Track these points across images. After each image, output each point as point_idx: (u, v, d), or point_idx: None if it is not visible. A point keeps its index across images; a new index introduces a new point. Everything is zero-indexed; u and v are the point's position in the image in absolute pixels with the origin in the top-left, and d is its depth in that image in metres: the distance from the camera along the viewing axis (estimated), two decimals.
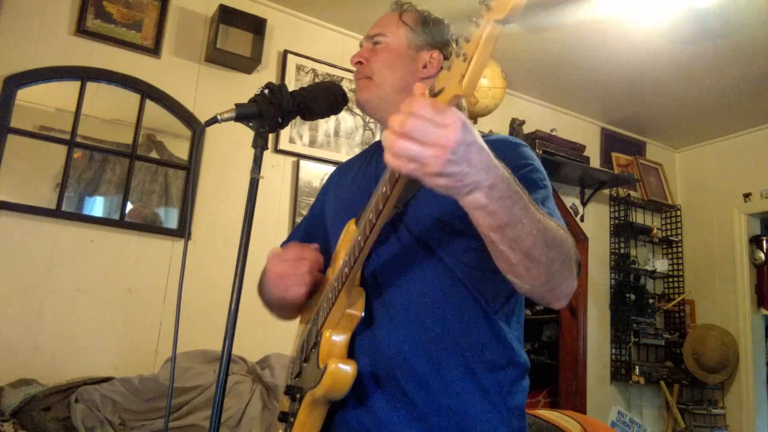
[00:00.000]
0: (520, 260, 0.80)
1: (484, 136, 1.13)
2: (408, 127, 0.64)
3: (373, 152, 1.28)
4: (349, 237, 1.07)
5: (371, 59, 1.18)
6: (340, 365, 0.93)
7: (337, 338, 0.97)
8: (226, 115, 1.03)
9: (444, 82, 0.65)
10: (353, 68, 1.23)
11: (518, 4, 0.58)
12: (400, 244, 1.03)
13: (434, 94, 0.66)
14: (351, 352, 1.00)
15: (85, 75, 2.66)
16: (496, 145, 0.99)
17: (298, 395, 1.03)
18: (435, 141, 0.64)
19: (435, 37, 1.21)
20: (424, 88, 0.69)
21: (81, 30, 2.68)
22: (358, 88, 1.20)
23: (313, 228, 1.32)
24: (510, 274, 0.84)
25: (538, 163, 1.07)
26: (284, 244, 1.35)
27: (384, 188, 0.78)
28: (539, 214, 0.79)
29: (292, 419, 1.03)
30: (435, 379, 0.98)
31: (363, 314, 0.99)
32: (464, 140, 0.65)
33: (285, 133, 3.13)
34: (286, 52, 3.20)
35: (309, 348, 1.05)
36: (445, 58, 1.21)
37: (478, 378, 1.00)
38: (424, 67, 1.19)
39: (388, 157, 0.67)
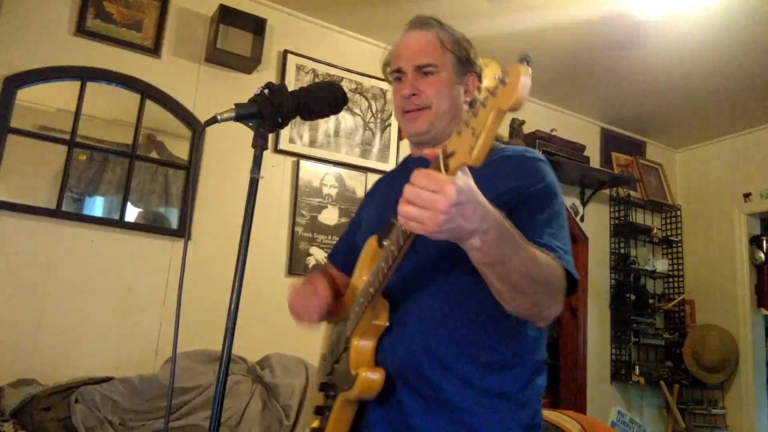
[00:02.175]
0: (507, 290, 0.91)
1: (502, 148, 1.17)
2: (407, 194, 0.78)
3: (401, 169, 1.35)
4: (371, 253, 1.17)
5: (426, 90, 1.18)
6: (369, 374, 1.06)
7: (364, 346, 1.11)
8: (226, 115, 1.03)
9: (455, 146, 0.76)
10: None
11: (519, 101, 0.67)
12: (416, 258, 1.10)
13: (447, 155, 0.77)
14: (376, 353, 1.12)
15: (85, 75, 2.66)
16: (512, 159, 1.11)
17: (332, 393, 1.16)
18: (429, 205, 0.76)
19: (471, 61, 1.24)
20: (434, 152, 0.80)
21: (81, 30, 2.68)
22: (413, 117, 1.20)
23: (353, 238, 1.41)
24: (498, 298, 0.95)
25: (550, 179, 1.12)
26: (330, 256, 1.50)
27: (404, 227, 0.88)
28: (528, 253, 0.90)
29: (327, 413, 1.17)
30: (441, 376, 1.06)
31: (387, 324, 1.10)
32: (457, 202, 0.76)
33: (285, 133, 3.13)
34: (286, 52, 3.20)
35: (339, 352, 1.17)
36: (479, 79, 1.26)
37: (484, 375, 1.06)
38: (466, 92, 1.24)
39: (400, 217, 0.81)
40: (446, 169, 0.76)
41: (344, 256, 1.41)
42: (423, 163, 1.19)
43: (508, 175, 1.08)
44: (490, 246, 0.83)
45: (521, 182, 1.08)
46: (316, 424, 1.22)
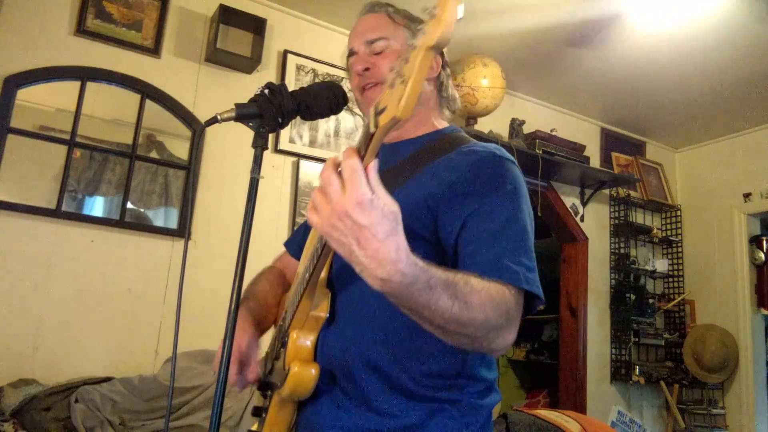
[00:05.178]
0: (435, 330, 0.81)
1: (473, 143, 1.09)
2: (322, 177, 0.70)
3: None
4: (314, 235, 1.09)
5: (378, 64, 1.14)
6: (302, 368, 0.96)
7: (302, 339, 1.00)
8: (226, 115, 1.02)
9: (387, 101, 0.66)
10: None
11: (447, 33, 0.59)
12: None
13: (378, 112, 0.67)
14: (316, 350, 1.02)
15: (85, 75, 2.66)
16: (479, 160, 1.01)
17: (268, 392, 1.07)
18: (334, 200, 0.68)
19: None
20: (354, 151, 0.69)
21: (81, 30, 2.68)
22: (368, 99, 1.14)
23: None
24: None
25: (511, 183, 1.00)
26: (287, 242, 1.40)
27: None
28: (457, 300, 0.78)
29: (264, 414, 1.07)
30: (372, 382, 0.98)
31: (328, 315, 1.01)
32: (354, 219, 0.66)
33: (285, 133, 3.13)
34: (286, 52, 3.20)
35: (279, 347, 1.08)
36: (443, 56, 1.20)
37: (418, 386, 0.98)
38: (430, 67, 1.17)
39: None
40: (376, 127, 0.67)
41: (299, 242, 1.33)
42: (390, 148, 1.14)
43: (470, 171, 0.98)
44: (395, 295, 0.73)
45: (480, 184, 0.99)
46: (255, 426, 1.12)
